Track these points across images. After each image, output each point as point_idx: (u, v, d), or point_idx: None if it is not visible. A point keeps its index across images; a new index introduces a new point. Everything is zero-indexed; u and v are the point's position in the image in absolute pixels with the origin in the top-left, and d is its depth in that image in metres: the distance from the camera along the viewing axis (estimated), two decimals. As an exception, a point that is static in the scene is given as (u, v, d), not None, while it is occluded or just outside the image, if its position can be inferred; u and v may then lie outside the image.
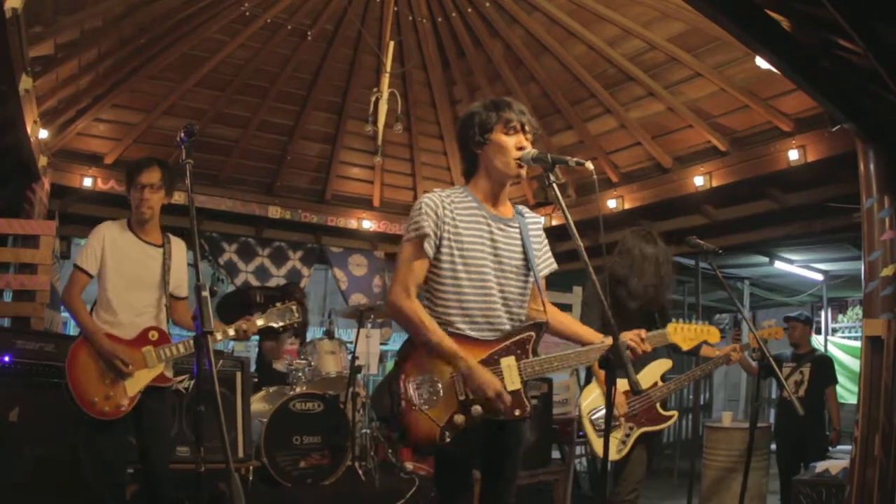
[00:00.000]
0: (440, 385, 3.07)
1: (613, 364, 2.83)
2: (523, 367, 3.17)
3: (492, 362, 3.14)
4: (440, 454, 3.15)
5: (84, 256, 4.35)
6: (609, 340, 3.27)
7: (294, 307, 4.59)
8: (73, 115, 7.44)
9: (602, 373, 4.76)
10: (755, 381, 12.47)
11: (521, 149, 3.18)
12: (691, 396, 10.18)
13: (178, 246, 4.62)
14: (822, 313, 12.26)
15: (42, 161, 7.01)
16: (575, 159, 2.97)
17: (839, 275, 11.47)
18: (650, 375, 4.80)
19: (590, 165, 2.95)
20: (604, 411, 4.74)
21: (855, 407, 6.32)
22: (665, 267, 4.95)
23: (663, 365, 4.85)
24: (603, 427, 4.73)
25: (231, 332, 4.37)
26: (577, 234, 2.92)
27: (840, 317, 13.13)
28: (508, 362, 3.16)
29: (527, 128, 3.24)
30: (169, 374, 4.43)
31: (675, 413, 4.97)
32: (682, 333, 3.91)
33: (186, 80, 7.66)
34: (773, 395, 12.33)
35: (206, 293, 2.98)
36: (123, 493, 4.30)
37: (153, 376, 4.27)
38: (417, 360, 3.11)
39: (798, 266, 10.73)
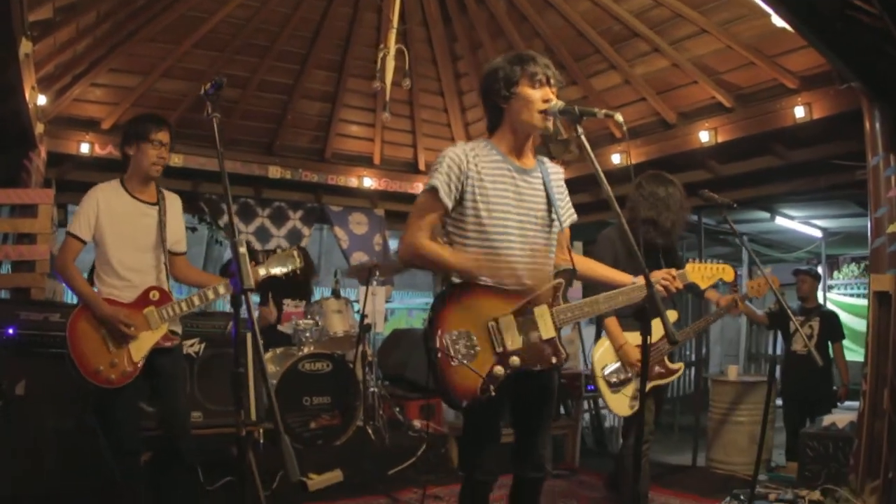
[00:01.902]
0: (476, 338, 3.08)
1: (649, 314, 2.85)
2: (556, 314, 3.22)
3: (525, 311, 3.18)
4: (471, 407, 3.16)
5: (77, 222, 4.24)
6: (640, 281, 3.33)
7: (296, 253, 4.45)
8: (69, 81, 7.31)
9: (612, 327, 4.86)
10: (752, 335, 12.53)
11: (546, 101, 3.19)
12: (687, 352, 10.24)
13: (173, 201, 4.53)
14: (821, 270, 12.32)
15: (39, 128, 6.91)
16: (604, 111, 2.99)
17: (837, 232, 11.52)
18: (658, 328, 4.82)
19: (619, 117, 2.96)
20: (615, 366, 4.90)
21: (856, 364, 6.40)
22: (685, 204, 5.08)
23: (670, 316, 4.87)
24: (615, 382, 4.85)
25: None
26: (606, 183, 2.93)
27: (836, 273, 13.20)
28: (541, 311, 3.21)
29: (552, 81, 3.25)
30: (177, 330, 4.36)
31: (681, 365, 5.05)
32: (701, 272, 4.00)
33: (184, 41, 7.53)
34: (770, 351, 12.46)
35: (243, 249, 2.79)
36: (138, 461, 4.25)
37: (158, 338, 4.20)
38: (451, 314, 3.12)
39: (798, 222, 10.77)
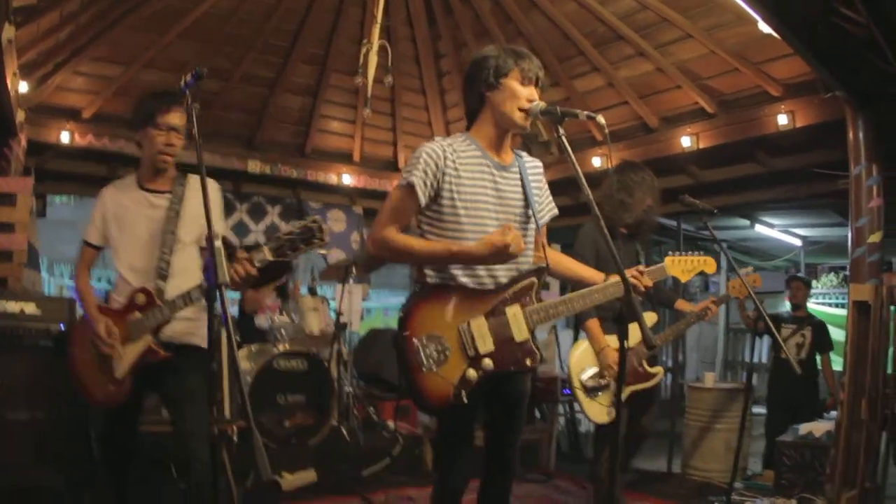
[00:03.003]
0: (447, 342, 3.01)
1: (626, 318, 2.79)
2: (529, 315, 3.15)
3: (497, 313, 3.10)
4: (444, 411, 3.11)
5: (86, 228, 3.80)
6: (613, 279, 3.29)
7: (320, 222, 3.30)
8: (51, 69, 7.19)
9: (594, 329, 4.76)
10: (729, 343, 12.53)
11: (531, 101, 3.12)
12: (664, 358, 10.25)
13: (197, 187, 3.48)
14: (799, 279, 12.38)
15: (20, 116, 6.79)
16: (586, 112, 2.91)
17: (816, 241, 11.57)
18: (636, 331, 4.73)
19: (601, 119, 2.89)
20: (593, 371, 4.77)
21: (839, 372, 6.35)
22: (655, 189, 5.04)
23: (647, 320, 4.77)
24: (592, 388, 4.74)
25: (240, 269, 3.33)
26: (585, 184, 2.85)
27: (814, 283, 13.28)
28: (514, 311, 3.13)
29: (540, 83, 3.20)
30: (186, 339, 3.71)
31: (660, 369, 4.98)
32: (681, 265, 3.93)
33: (168, 31, 7.43)
34: (747, 358, 12.50)
35: (218, 242, 2.65)
36: (125, 476, 3.88)
37: (140, 350, 3.56)
38: (421, 318, 3.05)
39: (778, 230, 10.80)
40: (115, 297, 3.73)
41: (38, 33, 6.31)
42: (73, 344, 3.79)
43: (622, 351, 2.85)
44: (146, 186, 3.77)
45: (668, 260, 3.89)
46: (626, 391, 4.69)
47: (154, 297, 3.58)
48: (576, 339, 5.26)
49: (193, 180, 3.82)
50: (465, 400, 2.97)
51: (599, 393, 4.74)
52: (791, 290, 7.46)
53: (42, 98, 7.38)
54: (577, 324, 5.21)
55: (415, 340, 2.99)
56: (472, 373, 3.00)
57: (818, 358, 7.10)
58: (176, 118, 3.67)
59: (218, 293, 2.63)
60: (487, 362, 3.02)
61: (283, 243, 3.26)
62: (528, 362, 3.13)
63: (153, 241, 3.69)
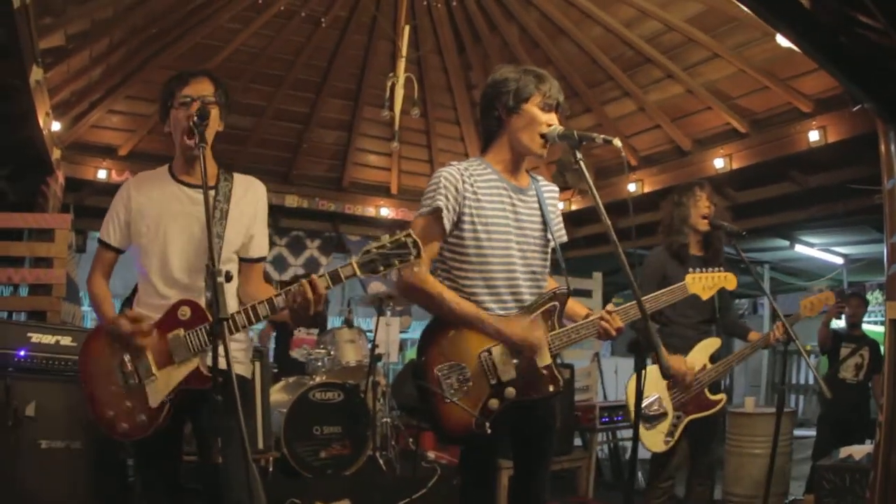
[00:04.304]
0: (468, 371, 2.93)
1: (643, 346, 2.73)
2: (552, 340, 3.04)
3: None
4: (467, 442, 3.02)
5: (104, 226, 3.17)
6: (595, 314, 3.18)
7: (413, 236, 2.75)
8: (86, 108, 7.42)
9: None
10: (775, 366, 12.31)
11: (549, 126, 3.05)
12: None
13: (245, 186, 3.25)
14: (843, 297, 12.14)
15: (56, 154, 7.01)
16: (602, 136, 2.85)
17: (859, 258, 11.34)
18: (698, 357, 4.58)
19: (617, 143, 2.82)
20: (650, 399, 4.52)
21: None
22: (707, 192, 5.06)
23: (712, 345, 4.65)
24: (650, 416, 4.55)
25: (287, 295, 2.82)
26: (605, 214, 2.81)
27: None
28: None
29: (560, 108, 3.13)
30: (244, 365, 3.20)
31: (723, 396, 4.70)
32: (701, 282, 3.82)
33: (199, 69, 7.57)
34: (794, 381, 12.31)
35: (221, 278, 2.53)
36: None
37: (185, 374, 2.90)
38: (441, 346, 2.96)
39: (818, 249, 10.62)
40: (139, 309, 3.08)
41: (69, 73, 6.49)
42: (87, 362, 3.10)
43: (638, 382, 2.79)
44: (181, 179, 3.15)
45: (688, 277, 3.80)
46: (686, 420, 4.54)
47: (205, 311, 2.93)
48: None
49: (241, 179, 3.29)
50: (489, 430, 2.88)
51: (657, 422, 4.58)
52: (851, 308, 7.29)
53: (78, 136, 7.59)
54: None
55: (435, 370, 2.92)
56: (494, 402, 2.91)
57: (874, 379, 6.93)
58: (196, 89, 3.09)
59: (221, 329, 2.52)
60: (510, 391, 2.92)
61: (375, 258, 2.73)
62: (550, 388, 3.03)
63: (196, 243, 3.07)
